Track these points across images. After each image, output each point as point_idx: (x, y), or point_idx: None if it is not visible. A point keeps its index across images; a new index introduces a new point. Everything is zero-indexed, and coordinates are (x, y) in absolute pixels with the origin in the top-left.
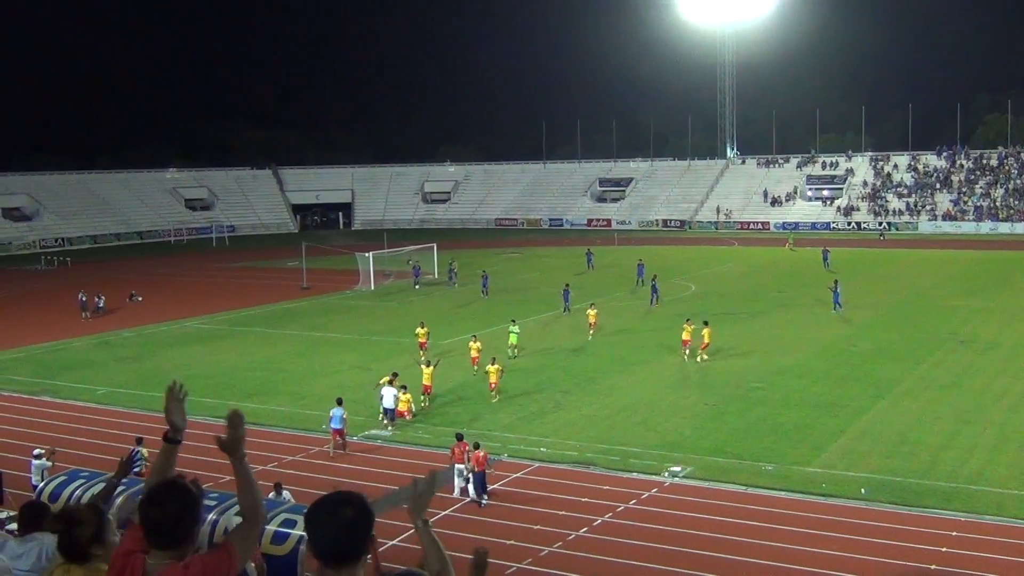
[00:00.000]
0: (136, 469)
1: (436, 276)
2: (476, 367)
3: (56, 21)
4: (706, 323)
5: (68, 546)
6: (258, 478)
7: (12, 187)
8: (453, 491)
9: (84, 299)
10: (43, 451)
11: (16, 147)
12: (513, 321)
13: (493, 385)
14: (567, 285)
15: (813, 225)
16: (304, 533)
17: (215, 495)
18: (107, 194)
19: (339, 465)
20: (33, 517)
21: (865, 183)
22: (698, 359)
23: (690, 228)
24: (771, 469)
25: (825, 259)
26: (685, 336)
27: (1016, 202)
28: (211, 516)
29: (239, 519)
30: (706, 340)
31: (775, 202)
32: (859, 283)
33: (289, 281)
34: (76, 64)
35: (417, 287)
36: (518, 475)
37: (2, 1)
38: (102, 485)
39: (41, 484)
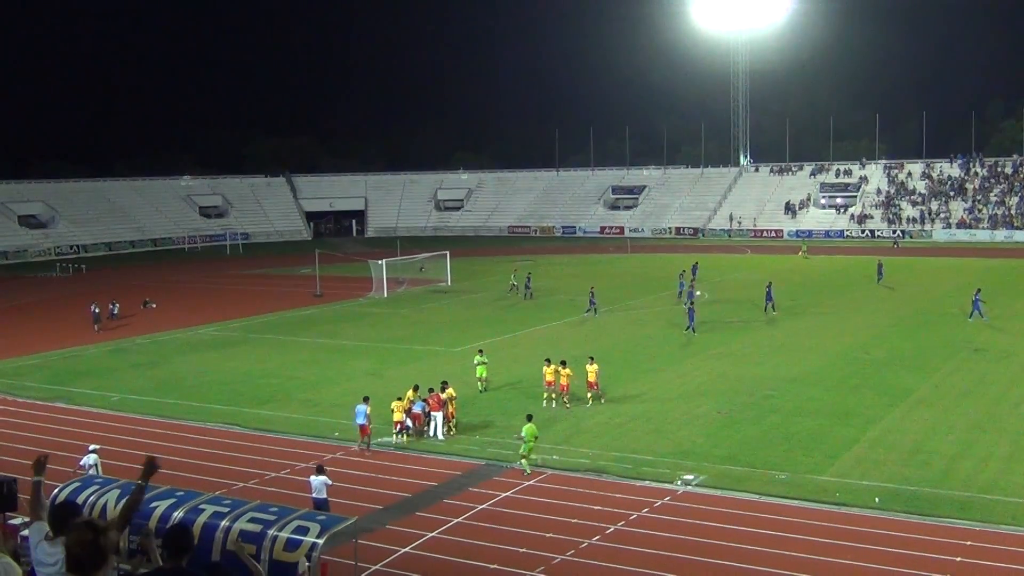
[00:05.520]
0: None
1: (448, 283)
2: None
3: (72, 30)
4: (591, 358)
5: (90, 554)
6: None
7: (28, 194)
8: (431, 433)
9: (97, 311)
10: (97, 448)
11: (32, 155)
12: (480, 351)
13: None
14: (692, 303)
15: (827, 233)
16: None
17: (228, 501)
18: (122, 201)
19: (352, 472)
20: (65, 518)
21: (879, 191)
22: (589, 401)
23: (703, 236)
24: (784, 478)
25: (880, 273)
26: (549, 377)
27: None
28: (223, 523)
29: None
30: (591, 378)
31: (789, 210)
32: (873, 290)
33: (303, 288)
34: (92, 72)
35: (527, 297)
36: (530, 483)
37: (19, 10)
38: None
39: (55, 491)
